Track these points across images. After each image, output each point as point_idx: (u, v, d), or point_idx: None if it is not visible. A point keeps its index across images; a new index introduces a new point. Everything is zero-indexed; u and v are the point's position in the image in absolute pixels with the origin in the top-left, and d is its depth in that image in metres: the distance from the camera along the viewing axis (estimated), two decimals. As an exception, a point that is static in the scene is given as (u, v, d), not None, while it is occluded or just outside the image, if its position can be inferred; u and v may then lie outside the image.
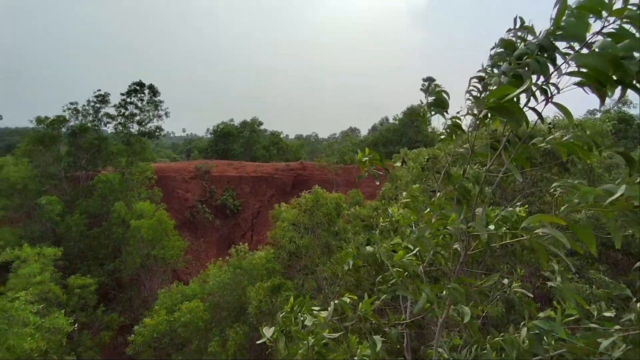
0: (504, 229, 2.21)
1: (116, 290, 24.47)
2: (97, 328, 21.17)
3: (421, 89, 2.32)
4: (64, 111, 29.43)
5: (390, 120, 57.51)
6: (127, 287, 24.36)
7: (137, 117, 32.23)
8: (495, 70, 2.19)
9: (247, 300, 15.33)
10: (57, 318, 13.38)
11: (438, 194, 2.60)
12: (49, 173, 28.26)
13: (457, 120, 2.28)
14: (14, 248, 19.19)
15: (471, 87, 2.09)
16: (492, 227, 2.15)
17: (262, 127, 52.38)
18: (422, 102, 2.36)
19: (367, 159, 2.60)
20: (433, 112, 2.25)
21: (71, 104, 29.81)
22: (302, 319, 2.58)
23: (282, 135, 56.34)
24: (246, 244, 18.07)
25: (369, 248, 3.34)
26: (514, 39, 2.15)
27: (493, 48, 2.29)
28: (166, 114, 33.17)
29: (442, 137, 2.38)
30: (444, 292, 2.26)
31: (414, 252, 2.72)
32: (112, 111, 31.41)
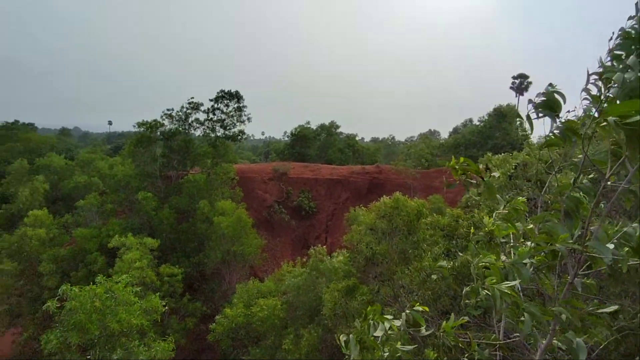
0: (626, 249, 1.94)
1: (200, 281, 26.67)
2: (183, 314, 23.33)
3: (511, 88, 2.13)
4: (161, 117, 33.00)
5: (475, 122, 54.07)
6: (210, 280, 26.40)
7: (223, 122, 34.86)
8: (616, 64, 1.94)
9: (322, 302, 15.60)
10: (152, 300, 15.06)
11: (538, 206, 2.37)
12: (147, 172, 31.86)
13: (572, 125, 2.03)
14: (121, 236, 22.09)
15: (589, 86, 1.87)
16: (610, 245, 1.89)
17: (338, 130, 53.06)
18: (512, 103, 2.17)
19: (460, 165, 2.46)
20: (541, 115, 2.03)
21: (167, 110, 33.32)
22: (374, 326, 2.51)
23: (357, 138, 56.42)
24: (324, 247, 18.39)
25: (443, 263, 3.16)
26: (637, 27, 1.90)
27: (611, 39, 2.04)
28: (248, 119, 35.33)
29: (548, 142, 2.16)
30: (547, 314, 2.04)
31: (511, 282, 2.46)
32: (201, 116, 34.47)
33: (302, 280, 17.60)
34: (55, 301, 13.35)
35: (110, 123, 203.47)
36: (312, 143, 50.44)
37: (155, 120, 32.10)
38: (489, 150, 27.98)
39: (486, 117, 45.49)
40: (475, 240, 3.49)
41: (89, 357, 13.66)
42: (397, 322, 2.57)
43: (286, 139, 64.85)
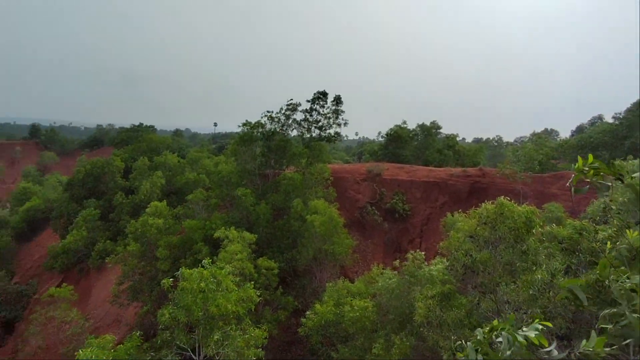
0: None
1: (292, 276, 28.13)
2: (275, 306, 24.89)
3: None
4: (261, 118, 35.60)
5: (607, 119, 47.03)
6: (301, 276, 27.68)
7: (320, 123, 36.21)
8: None
9: (414, 309, 15.26)
10: (249, 289, 16.46)
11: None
12: (247, 169, 34.67)
13: None
14: (224, 229, 24.53)
15: None
16: None
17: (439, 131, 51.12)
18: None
19: (590, 166, 2.22)
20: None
21: (267, 111, 35.81)
22: (508, 341, 2.27)
23: (458, 139, 53.49)
24: (423, 253, 17.98)
25: (575, 280, 2.83)
26: None
27: None
28: (345, 123, 36.10)
29: None
30: None
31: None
32: (299, 116, 36.33)
33: (395, 285, 17.42)
34: (170, 280, 15.48)
35: (215, 125, 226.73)
36: (408, 143, 49.39)
37: (258, 122, 34.71)
38: (627, 153, 24.15)
39: (623, 114, 39.29)
40: (614, 257, 3.00)
41: (193, 335, 15.52)
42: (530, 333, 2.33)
43: (380, 139, 64.56)
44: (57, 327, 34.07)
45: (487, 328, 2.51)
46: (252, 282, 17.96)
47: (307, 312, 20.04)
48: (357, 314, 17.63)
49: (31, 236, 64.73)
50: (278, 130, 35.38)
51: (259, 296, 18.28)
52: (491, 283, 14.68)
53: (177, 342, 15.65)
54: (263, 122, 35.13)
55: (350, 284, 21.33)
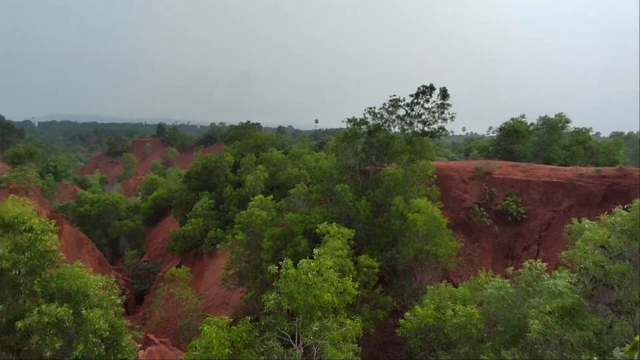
0: None
1: (390, 276, 28.03)
2: (373, 305, 25.14)
3: None
4: (364, 114, 35.91)
5: None
6: (400, 276, 27.41)
7: (423, 117, 35.22)
8: None
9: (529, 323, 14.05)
10: (347, 282, 17.03)
11: None
12: (348, 165, 35.38)
13: None
14: (326, 224, 25.69)
15: None
16: None
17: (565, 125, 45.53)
18: None
19: None
20: None
21: (370, 108, 36.02)
22: None
23: (591, 133, 46.93)
24: (544, 264, 16.54)
25: None
26: None
27: None
28: (452, 117, 34.47)
29: None
30: None
31: None
32: (401, 112, 35.76)
33: (507, 294, 16.26)
34: (275, 267, 16.81)
35: (316, 122, 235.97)
36: (526, 139, 45.02)
37: (362, 118, 35.17)
38: None
39: None
40: None
41: (294, 323, 16.58)
42: None
43: (491, 134, 59.98)
44: (175, 303, 39.37)
45: (629, 346, 2.31)
46: (351, 277, 18.45)
47: (406, 314, 19.85)
48: (461, 320, 16.90)
49: (157, 221, 75.62)
50: (381, 126, 35.33)
51: (357, 291, 18.73)
52: (629, 302, 12.78)
53: (278, 328, 16.93)
54: (366, 119, 35.44)
55: (453, 288, 20.49)
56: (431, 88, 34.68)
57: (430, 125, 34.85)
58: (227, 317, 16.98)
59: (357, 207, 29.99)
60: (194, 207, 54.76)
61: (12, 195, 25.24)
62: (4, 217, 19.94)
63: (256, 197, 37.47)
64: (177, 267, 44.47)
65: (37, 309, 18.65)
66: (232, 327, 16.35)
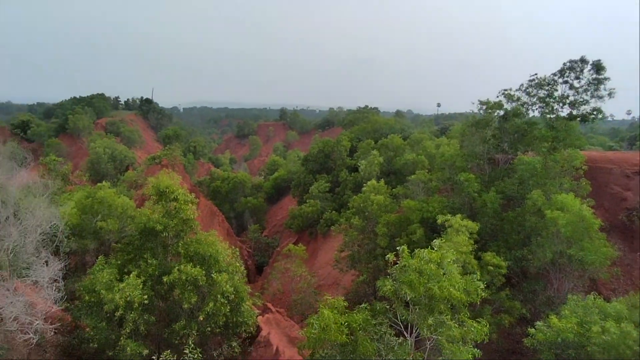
0: None
1: (519, 278, 25.19)
2: (497, 308, 22.90)
3: None
4: (497, 97, 32.41)
5: None
6: (532, 280, 24.45)
7: (570, 99, 30.42)
8: None
9: None
10: (474, 282, 15.78)
11: None
12: (474, 153, 32.59)
13: None
14: (449, 215, 24.28)
15: None
16: None
17: None
18: None
19: None
20: None
21: (505, 89, 32.39)
22: None
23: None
24: None
25: None
26: None
27: None
28: (610, 94, 28.99)
29: None
30: None
31: None
32: (542, 94, 31.39)
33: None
34: (393, 255, 16.39)
35: (438, 105, 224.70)
36: None
37: (496, 102, 31.93)
38: None
39: None
40: None
41: (410, 315, 15.97)
42: None
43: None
44: (290, 277, 41.92)
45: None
46: (477, 276, 17.03)
47: (538, 323, 17.68)
48: (613, 338, 14.28)
49: (277, 199, 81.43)
50: (519, 109, 31.54)
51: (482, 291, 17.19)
52: None
53: (391, 315, 16.55)
54: (502, 102, 32.04)
55: (604, 302, 17.43)
56: (582, 62, 29.61)
57: (580, 106, 29.89)
58: (343, 299, 17.16)
59: (483, 199, 27.57)
60: (310, 189, 57.23)
61: (165, 169, 29.75)
62: (158, 186, 23.56)
63: (369, 183, 37.25)
64: (294, 244, 47.28)
65: (177, 267, 21.74)
66: (350, 312, 16.36)
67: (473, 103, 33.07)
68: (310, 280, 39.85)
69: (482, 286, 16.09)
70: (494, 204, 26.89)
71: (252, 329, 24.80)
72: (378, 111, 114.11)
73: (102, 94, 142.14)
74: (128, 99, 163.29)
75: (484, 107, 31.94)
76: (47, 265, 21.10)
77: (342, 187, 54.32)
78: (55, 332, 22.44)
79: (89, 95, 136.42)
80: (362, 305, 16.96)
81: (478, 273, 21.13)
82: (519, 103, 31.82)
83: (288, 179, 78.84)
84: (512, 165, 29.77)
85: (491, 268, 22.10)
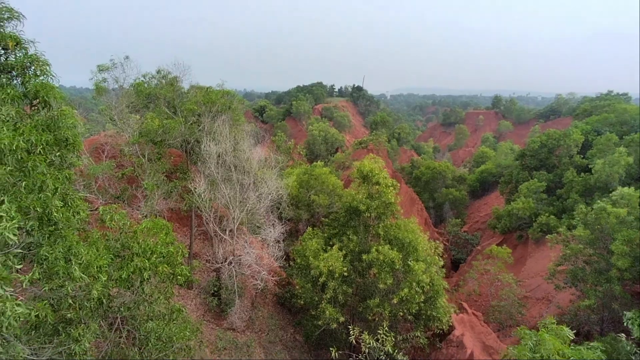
0: None
1: None
2: None
3: None
4: None
5: None
6: None
7: None
8: None
9: None
10: None
11: None
12: None
13: None
14: None
15: None
16: None
17: None
18: None
19: None
20: None
21: None
22: None
23: None
24: None
25: None
26: None
27: None
28: None
29: None
30: None
31: None
32: None
33: None
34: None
35: None
36: None
37: None
38: None
39: None
40: None
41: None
42: None
43: None
44: (490, 280, 38.92)
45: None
46: None
47: None
48: None
49: (481, 195, 76.10)
50: None
51: None
52: None
53: None
54: None
55: None
56: None
57: None
58: (569, 330, 13.98)
59: None
60: (519, 188, 50.98)
61: (370, 154, 31.75)
62: (363, 169, 25.35)
63: (615, 192, 30.02)
64: (497, 245, 43.53)
65: (376, 247, 23.05)
66: (576, 346, 13.70)
67: None
68: (514, 288, 36.08)
69: None
70: None
71: (444, 326, 24.36)
72: (628, 98, 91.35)
73: (320, 83, 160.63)
74: (341, 87, 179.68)
75: None
76: (273, 227, 25.71)
77: (566, 189, 46.23)
78: (274, 284, 27.41)
79: (309, 84, 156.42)
80: (592, 343, 13.78)
81: None
82: None
83: (497, 174, 72.39)
84: None
85: None
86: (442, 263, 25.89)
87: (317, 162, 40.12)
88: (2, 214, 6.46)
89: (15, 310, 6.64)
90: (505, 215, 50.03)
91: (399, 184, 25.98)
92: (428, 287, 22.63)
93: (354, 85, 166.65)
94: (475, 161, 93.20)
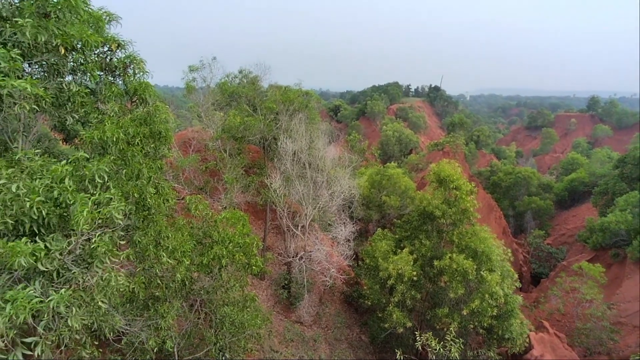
0: None
1: None
2: None
3: None
4: None
5: None
6: None
7: None
8: None
9: None
10: None
11: None
12: None
13: None
14: None
15: None
16: None
17: None
18: None
19: None
20: None
21: None
22: None
23: None
24: None
25: None
26: None
27: None
28: None
29: None
30: None
31: None
32: None
33: None
34: None
35: None
36: None
37: None
38: None
39: None
40: None
41: None
42: None
43: None
44: (577, 300, 35.26)
45: None
46: None
47: None
48: None
49: (570, 205, 69.26)
50: None
51: None
52: None
53: None
54: None
55: None
56: None
57: None
58: None
59: None
60: (616, 200, 45.41)
61: (447, 158, 30.48)
62: (439, 174, 24.33)
63: None
64: (588, 261, 39.35)
65: (449, 255, 22.00)
66: None
67: None
68: (605, 311, 32.34)
69: None
70: None
71: (518, 348, 22.57)
72: None
73: (396, 82, 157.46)
74: (418, 87, 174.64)
75: None
76: (344, 226, 25.74)
77: (677, 205, 40.36)
78: (342, 282, 27.45)
79: (385, 83, 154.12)
80: None
81: None
82: None
83: (589, 183, 65.44)
84: None
85: None
86: (516, 276, 24.01)
87: (390, 163, 39.47)
88: (111, 196, 7.32)
89: (118, 281, 7.51)
90: (598, 229, 44.98)
91: (477, 190, 24.61)
92: (502, 300, 21.14)
93: (430, 85, 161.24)
94: (563, 168, 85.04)
